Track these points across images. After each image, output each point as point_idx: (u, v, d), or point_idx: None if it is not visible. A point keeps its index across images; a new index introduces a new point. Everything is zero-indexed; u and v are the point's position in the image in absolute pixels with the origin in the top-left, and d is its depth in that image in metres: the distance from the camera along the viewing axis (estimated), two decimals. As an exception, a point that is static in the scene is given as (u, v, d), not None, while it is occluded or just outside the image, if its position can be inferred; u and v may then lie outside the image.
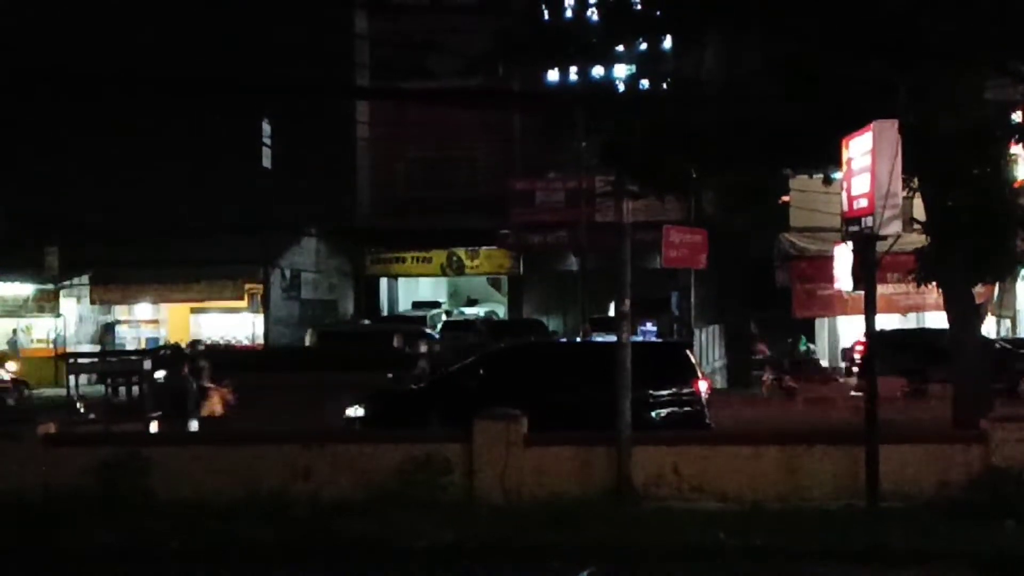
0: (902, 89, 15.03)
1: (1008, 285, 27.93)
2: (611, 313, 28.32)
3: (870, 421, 13.44)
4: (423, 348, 25.10)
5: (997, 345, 26.18)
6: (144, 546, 12.63)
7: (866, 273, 13.46)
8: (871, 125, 12.69)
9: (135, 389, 21.23)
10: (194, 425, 17.82)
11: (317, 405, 19.98)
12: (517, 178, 37.93)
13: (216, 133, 36.16)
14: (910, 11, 14.58)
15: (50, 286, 36.70)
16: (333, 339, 30.89)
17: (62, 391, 25.60)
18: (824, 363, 34.58)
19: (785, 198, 31.03)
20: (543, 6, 19.33)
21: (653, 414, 16.95)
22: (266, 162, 39.45)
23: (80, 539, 12.83)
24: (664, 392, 17.31)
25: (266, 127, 39.30)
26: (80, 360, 24.14)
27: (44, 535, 12.89)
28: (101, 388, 22.48)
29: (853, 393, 24.05)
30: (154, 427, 18.69)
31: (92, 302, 37.86)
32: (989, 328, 29.67)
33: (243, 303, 37.46)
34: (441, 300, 43.07)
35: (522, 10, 21.26)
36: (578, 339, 26.90)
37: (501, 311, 41.99)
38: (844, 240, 14.82)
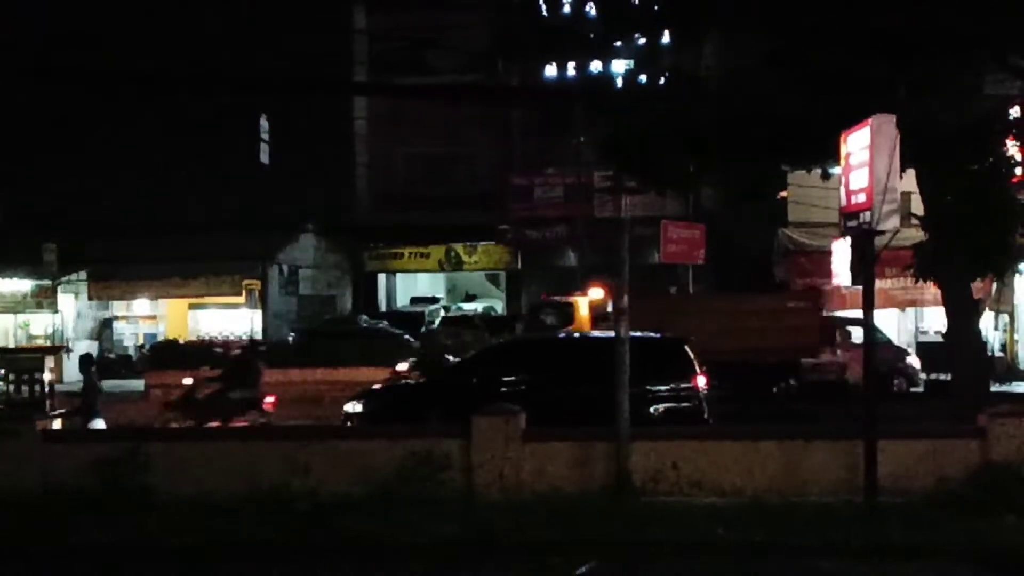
0: (901, 84, 15.05)
1: (1006, 280, 27.90)
2: (609, 308, 28.40)
3: (869, 416, 13.44)
4: None
5: None
6: (144, 543, 12.63)
7: (864, 268, 13.45)
8: (869, 120, 12.68)
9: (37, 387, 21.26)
10: (100, 424, 17.80)
11: None
12: (515, 173, 37.95)
13: (214, 129, 36.15)
14: (909, 4, 14.59)
15: (48, 282, 36.67)
16: None
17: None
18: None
19: (783, 193, 31.10)
20: (541, 2, 19.34)
21: (652, 409, 16.95)
22: (264, 158, 39.43)
23: (79, 537, 12.83)
24: (663, 387, 17.30)
25: (264, 123, 39.28)
26: None
27: (43, 533, 12.88)
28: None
29: None
30: (57, 425, 18.68)
31: (90, 298, 37.86)
32: (987, 323, 29.70)
33: (241, 299, 37.48)
34: (439, 296, 43.07)
35: (520, 6, 21.25)
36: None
37: (499, 307, 41.99)
38: (842, 235, 14.83)
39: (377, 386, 20.83)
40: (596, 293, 28.29)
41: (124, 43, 33.33)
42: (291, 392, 23.71)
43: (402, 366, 21.65)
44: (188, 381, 21.65)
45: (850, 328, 28.81)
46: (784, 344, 24.20)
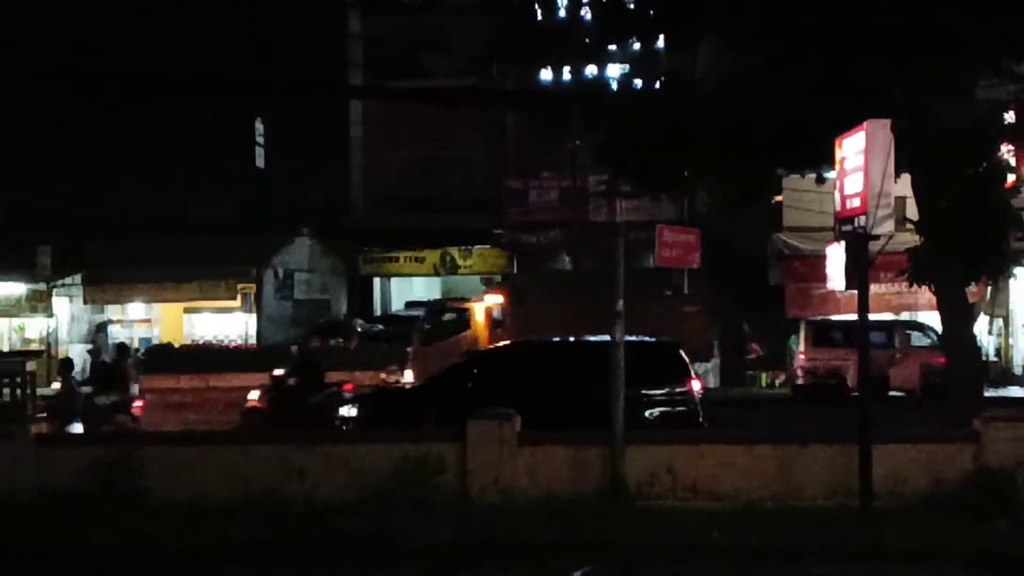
0: (898, 86, 15.07)
1: (1001, 284, 27.96)
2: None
3: (864, 420, 13.46)
4: None
5: None
6: (140, 547, 12.62)
7: (859, 273, 13.48)
8: (864, 125, 12.70)
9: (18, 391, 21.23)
10: (77, 428, 17.83)
11: None
12: (511, 177, 37.92)
13: (210, 132, 36.11)
14: (905, 8, 14.61)
15: (43, 286, 36.59)
16: None
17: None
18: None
19: (778, 198, 31.12)
20: (537, 6, 19.35)
21: (647, 413, 16.96)
22: (259, 161, 39.37)
23: (75, 540, 12.81)
24: (658, 391, 17.32)
25: (259, 126, 39.22)
26: None
27: (38, 536, 12.87)
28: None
29: None
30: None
31: (85, 302, 37.76)
32: (982, 327, 29.75)
33: (236, 303, 37.41)
34: (434, 300, 42.99)
35: (516, 10, 21.26)
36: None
37: (494, 310, 41.89)
38: (837, 239, 14.83)
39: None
40: (492, 299, 28.94)
41: (121, 45, 33.31)
42: None
43: (279, 371, 21.94)
44: (56, 386, 21.78)
45: (909, 332, 29.20)
46: None
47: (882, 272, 23.83)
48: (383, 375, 30.35)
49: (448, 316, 29.99)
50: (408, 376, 28.29)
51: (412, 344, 29.28)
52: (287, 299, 39.13)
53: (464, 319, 29.84)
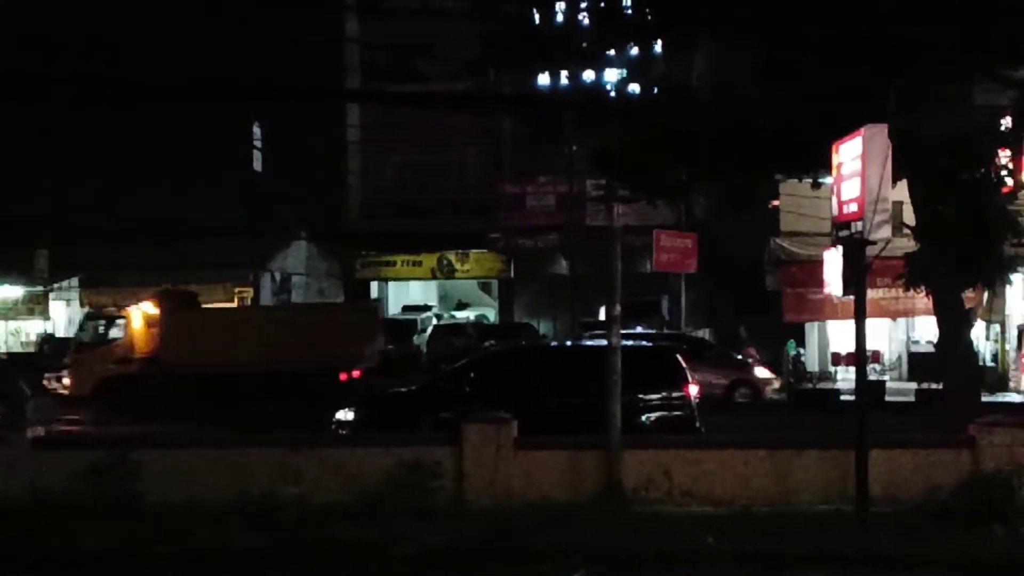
0: (892, 93, 15.08)
1: (998, 290, 27.98)
2: (601, 316, 28.65)
3: (860, 426, 13.45)
4: None
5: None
6: (135, 551, 12.60)
7: (856, 278, 13.47)
8: (861, 130, 12.70)
9: None
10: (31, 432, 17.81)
11: None
12: (507, 182, 37.98)
13: (207, 136, 36.10)
14: (901, 15, 14.63)
15: (40, 288, 36.61)
16: None
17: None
18: (814, 367, 34.69)
19: (775, 203, 31.18)
20: (534, 10, 19.37)
21: (643, 418, 16.94)
22: (257, 165, 39.38)
23: (69, 544, 12.79)
24: (655, 396, 17.30)
25: (256, 130, 39.23)
26: None
27: (33, 540, 12.85)
28: None
29: None
30: None
31: (82, 304, 37.78)
32: (978, 332, 29.76)
33: (233, 306, 37.40)
34: (431, 303, 43.03)
35: (513, 15, 21.27)
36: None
37: (491, 315, 41.98)
38: (834, 245, 14.84)
39: None
40: (147, 307, 29.22)
41: (117, 50, 33.29)
42: None
43: None
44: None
45: None
46: (327, 355, 25.64)
47: (879, 277, 23.92)
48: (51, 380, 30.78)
49: (103, 323, 30.21)
50: (66, 381, 29.13)
51: (69, 352, 29.98)
52: (284, 303, 39.13)
53: (120, 326, 30.05)
